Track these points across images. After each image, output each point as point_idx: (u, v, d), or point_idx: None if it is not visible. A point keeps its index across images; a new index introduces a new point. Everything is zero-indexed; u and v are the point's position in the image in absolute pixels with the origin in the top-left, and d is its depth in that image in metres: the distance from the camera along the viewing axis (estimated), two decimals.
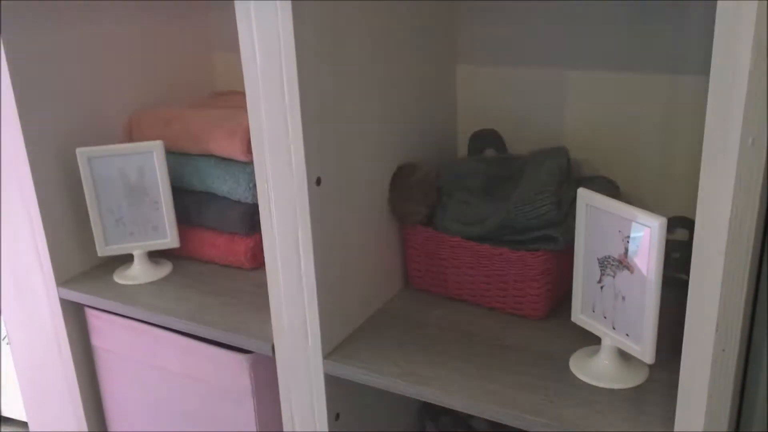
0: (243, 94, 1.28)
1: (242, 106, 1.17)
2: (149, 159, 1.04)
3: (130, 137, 1.13)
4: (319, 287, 0.82)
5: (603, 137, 1.00)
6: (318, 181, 0.80)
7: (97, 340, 1.10)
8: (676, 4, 0.90)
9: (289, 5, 0.72)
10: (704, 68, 0.91)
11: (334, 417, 0.89)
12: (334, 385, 0.87)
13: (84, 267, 1.11)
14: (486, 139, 1.07)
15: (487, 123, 1.08)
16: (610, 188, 0.95)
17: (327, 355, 0.85)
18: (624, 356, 0.79)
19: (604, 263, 0.78)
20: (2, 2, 0.97)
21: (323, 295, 0.83)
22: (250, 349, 0.91)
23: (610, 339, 0.79)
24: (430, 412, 1.09)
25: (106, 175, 1.04)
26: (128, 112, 1.14)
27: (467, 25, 1.05)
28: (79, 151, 1.02)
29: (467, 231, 0.91)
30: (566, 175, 0.92)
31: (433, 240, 0.95)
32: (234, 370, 0.96)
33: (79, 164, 1.03)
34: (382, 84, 0.89)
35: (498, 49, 1.04)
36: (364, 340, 0.89)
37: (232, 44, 1.28)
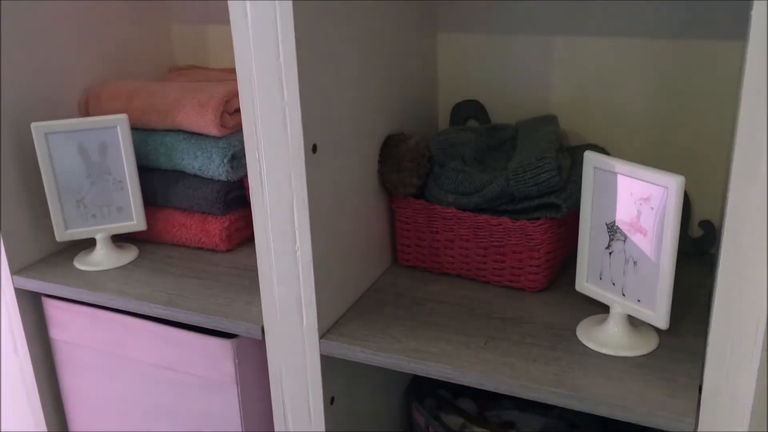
0: (204, 68, 1.22)
1: (205, 80, 1.11)
2: (113, 134, 0.96)
3: (86, 114, 1.05)
4: (316, 262, 0.77)
5: (588, 106, 0.98)
6: (314, 149, 0.75)
7: (56, 333, 1.01)
8: None
9: None
10: (699, 32, 0.91)
11: (330, 401, 0.84)
12: (330, 366, 0.82)
13: (41, 253, 1.02)
14: (469, 110, 1.04)
15: (468, 94, 1.05)
16: None
17: (323, 335, 0.80)
18: (633, 323, 0.77)
19: (614, 228, 0.75)
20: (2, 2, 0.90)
21: (320, 271, 0.78)
22: (236, 332, 0.85)
23: (619, 306, 0.76)
24: (417, 394, 1.05)
25: (65, 153, 0.96)
26: (81, 87, 1.06)
27: None
28: (34, 125, 0.94)
29: (463, 201, 0.87)
30: (560, 143, 0.90)
31: (425, 212, 0.91)
32: (216, 356, 0.89)
33: (35, 140, 0.94)
34: (361, 51, 0.84)
35: (479, 15, 1.01)
36: (359, 318, 0.84)
37: (191, 16, 1.22)
